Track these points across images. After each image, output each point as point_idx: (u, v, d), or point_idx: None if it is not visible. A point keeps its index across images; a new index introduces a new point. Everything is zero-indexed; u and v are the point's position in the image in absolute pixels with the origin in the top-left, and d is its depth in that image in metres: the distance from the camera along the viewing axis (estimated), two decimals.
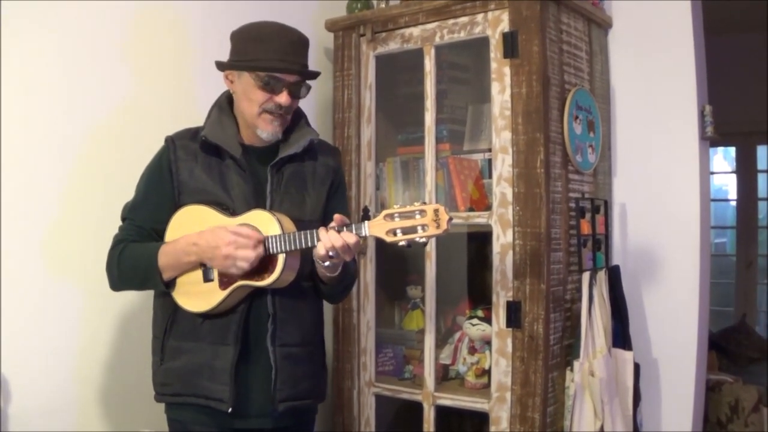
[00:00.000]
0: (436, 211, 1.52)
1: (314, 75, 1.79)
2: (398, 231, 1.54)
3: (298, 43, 1.76)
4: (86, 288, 2.07)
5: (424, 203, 1.55)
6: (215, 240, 1.63)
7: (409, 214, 1.54)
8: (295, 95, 1.75)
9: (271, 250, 1.64)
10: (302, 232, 1.62)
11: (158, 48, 2.30)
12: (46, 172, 2.03)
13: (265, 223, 1.66)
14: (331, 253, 1.59)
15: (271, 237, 1.64)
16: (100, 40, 2.14)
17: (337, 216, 1.61)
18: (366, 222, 1.58)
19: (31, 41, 1.98)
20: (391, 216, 1.55)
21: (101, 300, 2.10)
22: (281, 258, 1.65)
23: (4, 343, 1.90)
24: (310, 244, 1.61)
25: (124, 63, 2.20)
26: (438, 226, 1.52)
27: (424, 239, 1.54)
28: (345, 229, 1.59)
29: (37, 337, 1.99)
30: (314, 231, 1.61)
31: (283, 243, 1.63)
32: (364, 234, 1.58)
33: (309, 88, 1.80)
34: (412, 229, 1.54)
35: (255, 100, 1.72)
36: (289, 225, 1.69)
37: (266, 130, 1.75)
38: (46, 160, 2.03)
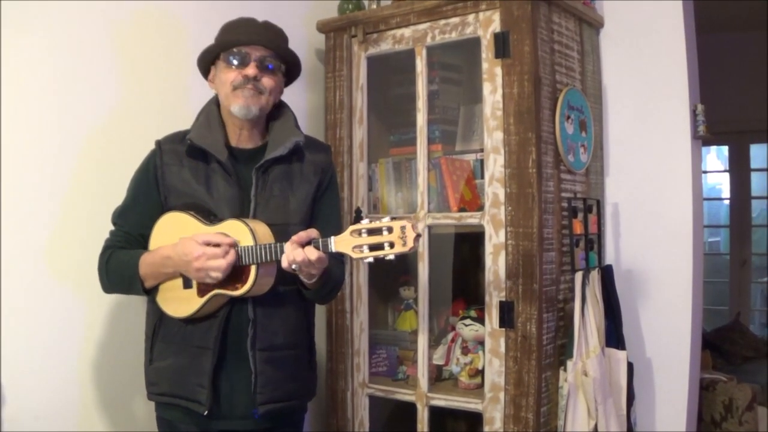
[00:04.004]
0: (402, 228, 1.51)
1: (280, 47, 1.79)
2: (365, 247, 1.53)
3: (265, 24, 1.80)
4: (85, 292, 2.06)
5: (394, 218, 1.53)
6: (186, 253, 1.64)
7: (376, 230, 1.53)
8: (263, 68, 1.75)
9: (243, 261, 1.65)
10: (270, 245, 1.63)
11: (152, 51, 2.29)
12: (46, 176, 2.02)
13: (239, 233, 1.67)
14: (293, 267, 1.59)
15: (243, 248, 1.65)
16: (94, 43, 2.13)
17: (299, 234, 1.59)
18: (332, 238, 1.57)
19: (29, 43, 1.97)
20: (358, 232, 1.55)
21: (100, 304, 2.10)
22: (253, 269, 1.65)
23: (2, 348, 1.90)
24: (275, 257, 1.62)
25: (120, 66, 2.19)
26: (404, 244, 1.50)
27: (390, 256, 1.52)
28: (312, 243, 1.58)
29: (35, 342, 1.98)
30: (282, 244, 1.61)
31: (253, 255, 1.64)
32: (330, 250, 1.58)
33: (281, 66, 1.80)
34: (379, 246, 1.52)
35: (227, 80, 1.75)
36: (265, 234, 1.69)
37: (237, 104, 1.75)
38: (45, 165, 2.02)
